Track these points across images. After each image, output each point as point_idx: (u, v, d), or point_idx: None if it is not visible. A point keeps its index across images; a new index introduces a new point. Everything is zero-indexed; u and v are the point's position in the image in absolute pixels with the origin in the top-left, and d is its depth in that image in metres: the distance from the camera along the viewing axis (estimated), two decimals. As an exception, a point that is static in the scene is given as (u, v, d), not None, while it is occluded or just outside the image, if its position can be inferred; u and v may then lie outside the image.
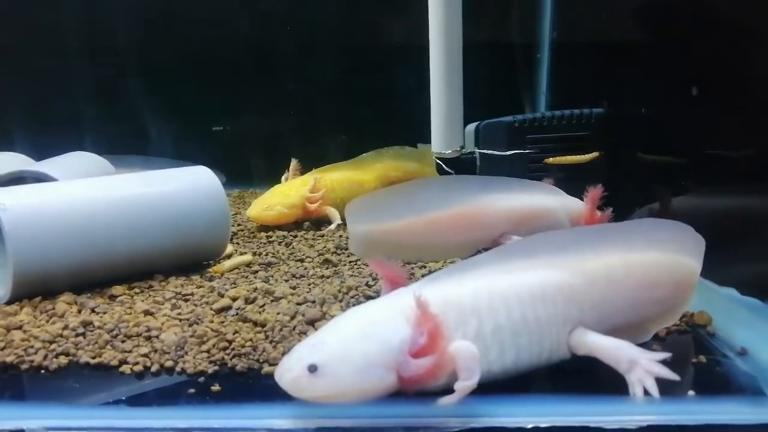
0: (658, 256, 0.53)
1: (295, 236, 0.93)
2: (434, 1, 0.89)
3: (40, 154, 1.05)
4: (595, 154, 0.88)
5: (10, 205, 0.60)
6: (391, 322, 0.44)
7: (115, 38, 1.24)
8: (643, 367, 0.47)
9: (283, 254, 0.82)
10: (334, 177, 1.02)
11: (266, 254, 0.82)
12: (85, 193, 0.65)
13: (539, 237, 0.51)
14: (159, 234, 0.68)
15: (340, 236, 0.92)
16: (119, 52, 1.25)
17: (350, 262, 0.79)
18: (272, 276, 0.72)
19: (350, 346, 0.43)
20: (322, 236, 0.92)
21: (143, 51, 1.25)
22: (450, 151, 0.92)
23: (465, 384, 0.43)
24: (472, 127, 0.95)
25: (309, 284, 0.68)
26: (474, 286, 0.47)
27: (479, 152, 0.92)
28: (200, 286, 0.68)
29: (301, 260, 0.79)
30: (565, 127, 0.89)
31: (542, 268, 0.49)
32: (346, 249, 0.85)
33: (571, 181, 0.89)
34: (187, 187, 0.71)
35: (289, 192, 0.98)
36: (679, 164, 0.81)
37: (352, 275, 0.71)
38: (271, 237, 0.91)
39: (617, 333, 0.51)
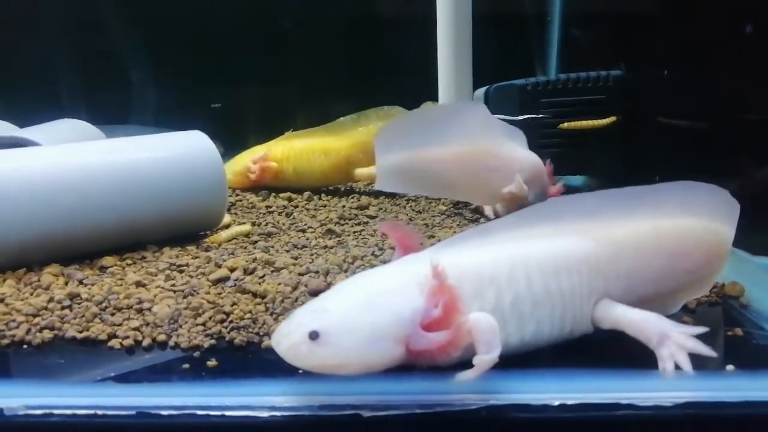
0: (690, 222, 0.49)
1: (296, 206, 0.89)
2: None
3: (27, 123, 1.02)
4: (612, 118, 0.83)
5: (-14, 170, 0.56)
6: (402, 291, 0.40)
7: (110, 5, 1.19)
8: (674, 341, 0.43)
9: (283, 224, 0.78)
10: (294, 146, 0.93)
11: (266, 224, 0.78)
12: (69, 159, 0.61)
13: (563, 201, 0.47)
14: (151, 202, 0.63)
15: (343, 207, 0.88)
16: (115, 20, 1.20)
17: (354, 232, 0.75)
18: (272, 246, 0.68)
19: (356, 313, 0.40)
20: (324, 206, 0.88)
21: (139, 18, 1.20)
22: (459, 117, 0.88)
23: (485, 358, 0.39)
24: (481, 91, 0.90)
25: (311, 255, 0.64)
26: (493, 254, 0.43)
27: (489, 118, 0.87)
28: (196, 257, 0.64)
29: (303, 231, 0.75)
30: (580, 90, 0.85)
31: (566, 236, 0.45)
32: (350, 219, 0.81)
33: (587, 147, 0.86)
34: (181, 152, 0.67)
35: (240, 159, 0.93)
36: (702, 129, 0.76)
37: (356, 245, 0.67)
38: (270, 207, 0.87)
39: (644, 305, 0.47)
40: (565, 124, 0.86)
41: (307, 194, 0.93)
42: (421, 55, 1.01)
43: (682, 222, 0.49)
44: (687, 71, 0.78)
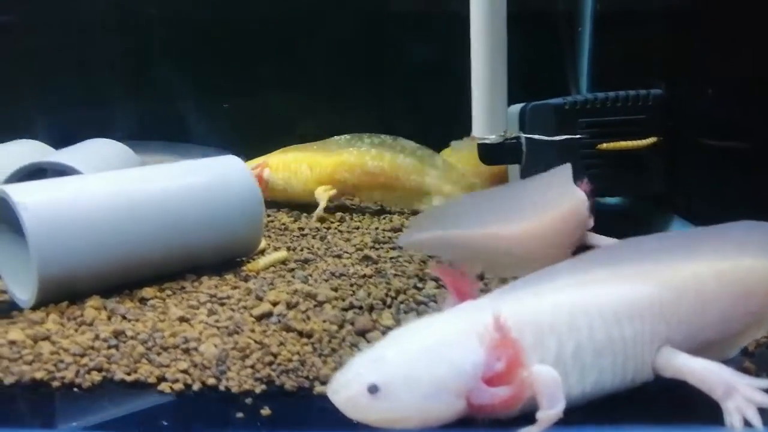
0: (753, 263, 0.47)
1: (329, 228, 0.88)
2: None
3: (54, 139, 1.00)
4: (653, 139, 0.81)
5: (31, 203, 0.55)
6: (463, 343, 0.39)
7: (128, 19, 1.18)
8: (742, 394, 0.42)
9: (318, 249, 0.77)
10: (286, 157, 0.94)
11: (301, 249, 0.77)
12: (112, 188, 0.60)
13: (622, 244, 0.46)
14: (191, 231, 0.63)
15: (376, 228, 0.87)
16: (134, 34, 1.19)
17: (390, 258, 0.73)
18: (311, 275, 0.67)
19: (416, 366, 0.39)
20: (357, 228, 0.87)
21: (157, 31, 1.19)
22: (493, 136, 0.86)
23: (549, 414, 0.38)
24: (516, 108, 0.88)
25: (351, 285, 0.63)
26: (553, 302, 0.42)
27: (525, 137, 0.86)
28: (236, 287, 0.63)
29: (339, 256, 0.75)
30: (619, 110, 0.82)
31: (627, 281, 0.44)
32: (385, 243, 0.80)
33: (627, 169, 0.84)
34: (219, 179, 0.66)
35: None
36: (748, 150, 0.74)
37: (396, 275, 0.66)
38: (303, 230, 0.86)
39: (705, 349, 0.46)
40: (604, 145, 0.84)
41: (339, 215, 0.92)
42: (451, 67, 1.00)
43: (743, 263, 0.47)
44: (732, 90, 0.76)
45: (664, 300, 0.44)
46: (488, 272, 0.61)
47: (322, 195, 0.90)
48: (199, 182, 0.65)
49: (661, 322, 0.44)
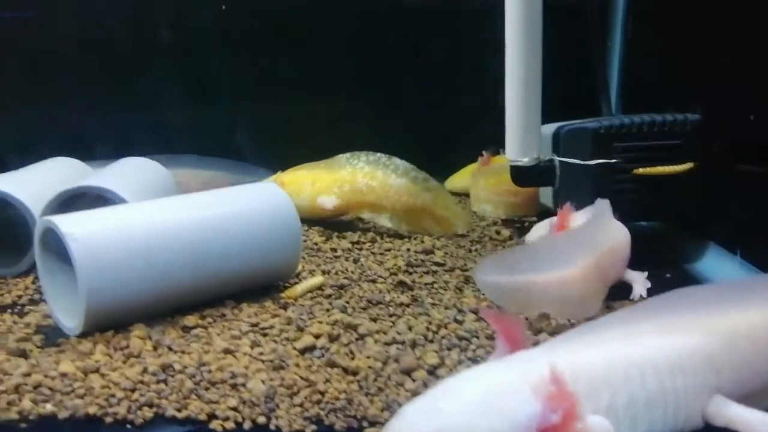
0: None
1: (361, 249, 0.88)
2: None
3: (83, 152, 1.01)
4: (689, 164, 0.80)
5: (79, 234, 0.56)
6: (518, 394, 0.39)
7: (151, 30, 1.18)
8: (796, 445, 0.42)
9: (353, 273, 0.77)
10: (297, 173, 0.96)
11: (336, 273, 0.77)
12: (156, 218, 0.61)
13: (672, 295, 0.46)
14: (233, 259, 0.64)
15: (408, 250, 0.87)
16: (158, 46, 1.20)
17: (426, 284, 0.74)
18: (348, 303, 0.67)
19: (472, 418, 0.39)
20: (389, 250, 0.87)
21: (181, 43, 1.20)
22: (527, 159, 0.86)
23: (603, 466, 0.39)
24: (549, 128, 0.88)
25: (390, 316, 0.64)
26: (605, 353, 0.42)
27: (559, 161, 0.85)
28: (275, 315, 0.64)
29: (373, 281, 0.75)
30: (656, 135, 0.82)
31: (679, 331, 0.44)
32: (418, 266, 0.80)
33: (663, 195, 0.83)
34: (259, 206, 0.67)
35: None
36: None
37: (433, 304, 0.66)
38: (336, 251, 0.86)
39: (754, 396, 0.46)
40: (640, 170, 0.84)
41: (370, 235, 0.93)
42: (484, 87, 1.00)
43: (794, 311, 0.47)
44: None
45: (715, 350, 0.44)
46: (543, 316, 0.61)
47: (326, 200, 0.92)
48: (241, 210, 0.66)
49: (712, 372, 0.44)
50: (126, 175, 0.78)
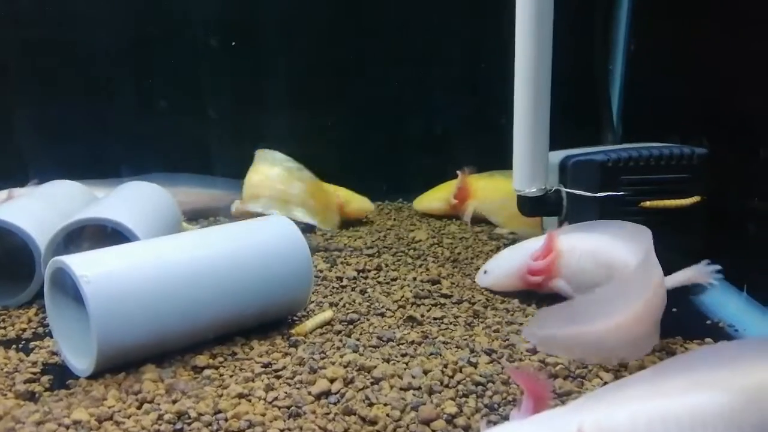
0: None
1: (366, 278, 0.88)
2: (522, 17, 0.82)
3: (81, 171, 1.01)
4: (696, 198, 0.81)
5: (93, 277, 0.55)
6: (546, 456, 0.40)
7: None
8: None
9: (360, 305, 0.77)
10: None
11: (344, 305, 0.77)
12: (168, 257, 0.60)
13: (694, 353, 0.46)
14: (244, 296, 0.63)
15: (414, 279, 0.86)
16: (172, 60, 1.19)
17: (434, 318, 0.73)
18: (359, 340, 0.67)
19: None
20: (395, 279, 0.87)
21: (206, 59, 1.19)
22: (534, 190, 0.86)
23: None
24: (556, 156, 0.88)
25: (402, 355, 0.63)
26: (630, 411, 0.42)
27: (566, 191, 0.86)
28: (287, 354, 0.63)
29: (382, 314, 0.74)
30: (663, 168, 0.82)
31: (702, 389, 0.44)
32: (425, 298, 0.80)
33: (669, 227, 0.84)
34: (269, 242, 0.66)
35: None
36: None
37: (445, 342, 0.66)
38: (341, 279, 0.86)
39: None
40: (648, 203, 0.84)
41: (376, 262, 0.92)
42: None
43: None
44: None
45: (735, 407, 0.45)
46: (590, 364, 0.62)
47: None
48: (252, 246, 0.65)
49: (734, 429, 0.44)
50: (133, 205, 0.77)
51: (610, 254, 0.73)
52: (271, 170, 1.01)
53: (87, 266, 0.56)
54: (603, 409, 0.42)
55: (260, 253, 0.65)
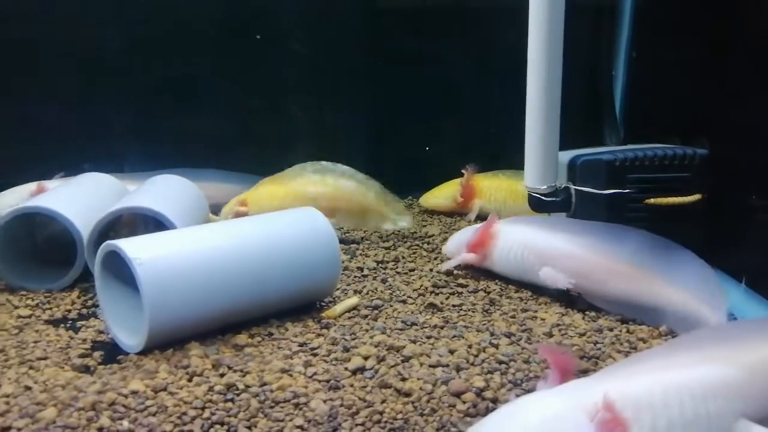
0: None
1: (385, 268, 0.92)
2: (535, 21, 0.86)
3: (105, 165, 1.04)
4: (697, 196, 0.87)
5: (145, 259, 0.59)
6: (575, 419, 0.44)
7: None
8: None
9: (383, 293, 0.81)
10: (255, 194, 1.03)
11: (367, 293, 0.81)
12: (212, 243, 0.65)
13: (703, 332, 0.51)
14: (280, 281, 0.68)
15: (430, 270, 0.91)
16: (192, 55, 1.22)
17: (453, 305, 0.78)
18: (385, 324, 0.71)
19: None
20: (413, 270, 0.91)
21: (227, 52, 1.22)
22: (545, 187, 0.91)
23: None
24: (565, 156, 0.93)
25: (427, 337, 0.68)
26: (647, 381, 0.47)
27: (575, 189, 0.90)
28: (320, 335, 0.68)
29: (404, 302, 0.79)
30: (666, 167, 0.88)
31: (710, 363, 0.49)
32: (443, 287, 0.85)
33: (671, 223, 0.89)
34: (303, 231, 0.71)
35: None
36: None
37: (465, 326, 0.71)
38: (362, 270, 0.91)
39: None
40: (651, 200, 0.89)
41: (393, 254, 0.97)
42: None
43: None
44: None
45: (740, 379, 0.50)
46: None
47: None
48: (286, 234, 0.70)
49: (739, 398, 0.49)
50: (168, 197, 0.82)
51: (543, 243, 0.82)
52: (344, 182, 1.01)
53: (139, 250, 0.60)
54: (623, 379, 0.47)
55: (294, 241, 0.70)
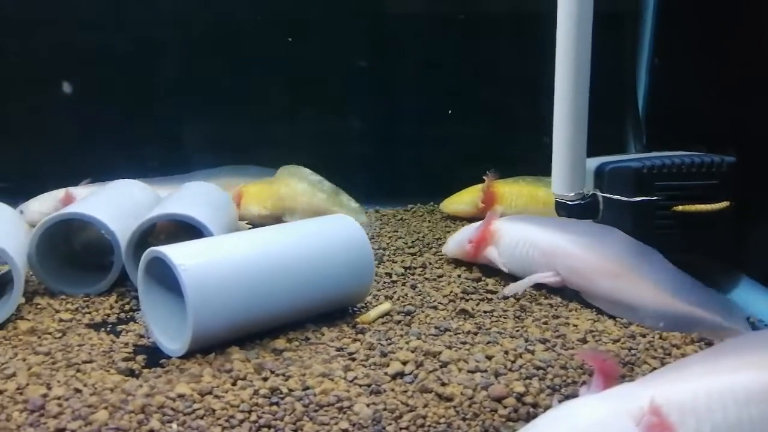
0: None
1: (413, 274, 0.93)
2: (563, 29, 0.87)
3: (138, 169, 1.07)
4: (725, 203, 0.87)
5: (189, 265, 0.61)
6: (621, 423, 0.45)
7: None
8: None
9: (414, 299, 0.82)
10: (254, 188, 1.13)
11: (398, 298, 0.82)
12: (252, 249, 0.66)
13: (742, 338, 0.52)
14: (317, 286, 0.69)
15: (459, 276, 0.92)
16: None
17: (484, 312, 0.79)
18: (420, 330, 0.72)
19: None
20: (441, 276, 0.92)
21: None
22: (573, 194, 0.91)
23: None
24: (592, 163, 0.94)
25: (462, 343, 0.69)
26: (691, 386, 0.48)
27: (602, 196, 0.91)
28: (356, 340, 0.69)
29: (435, 308, 0.80)
30: (694, 175, 0.88)
31: (752, 368, 0.50)
32: (472, 293, 0.86)
33: (701, 231, 0.89)
34: (338, 237, 0.72)
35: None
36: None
37: (499, 332, 0.72)
38: (391, 275, 0.91)
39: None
40: (680, 207, 0.90)
41: (420, 260, 0.98)
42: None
43: None
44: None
45: (784, 386, 0.50)
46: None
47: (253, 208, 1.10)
48: (323, 241, 0.71)
49: (782, 405, 0.50)
50: (203, 204, 0.83)
51: (543, 240, 0.86)
52: (299, 185, 1.13)
53: (184, 256, 0.61)
54: (668, 384, 0.48)
55: (330, 248, 0.71)
